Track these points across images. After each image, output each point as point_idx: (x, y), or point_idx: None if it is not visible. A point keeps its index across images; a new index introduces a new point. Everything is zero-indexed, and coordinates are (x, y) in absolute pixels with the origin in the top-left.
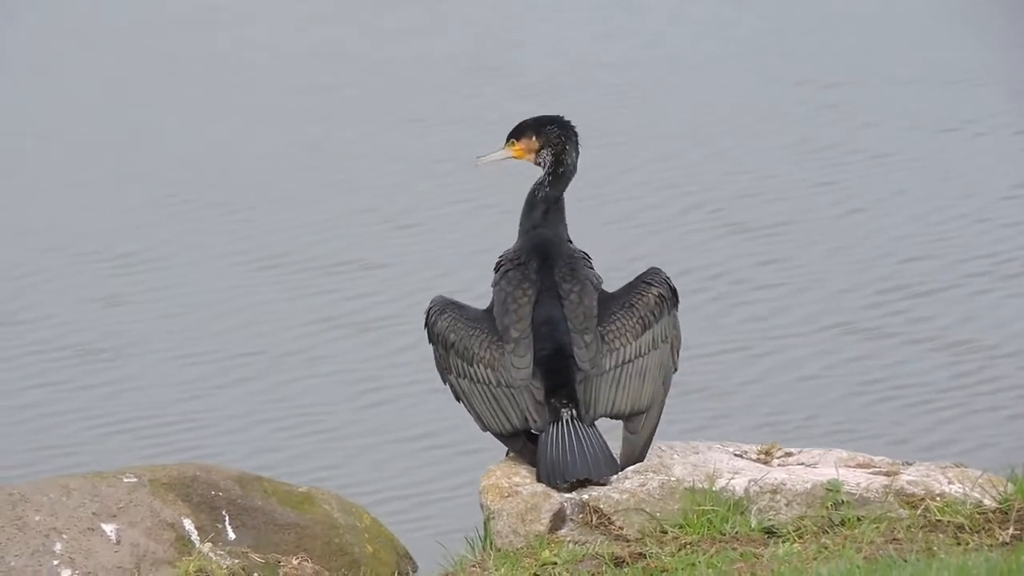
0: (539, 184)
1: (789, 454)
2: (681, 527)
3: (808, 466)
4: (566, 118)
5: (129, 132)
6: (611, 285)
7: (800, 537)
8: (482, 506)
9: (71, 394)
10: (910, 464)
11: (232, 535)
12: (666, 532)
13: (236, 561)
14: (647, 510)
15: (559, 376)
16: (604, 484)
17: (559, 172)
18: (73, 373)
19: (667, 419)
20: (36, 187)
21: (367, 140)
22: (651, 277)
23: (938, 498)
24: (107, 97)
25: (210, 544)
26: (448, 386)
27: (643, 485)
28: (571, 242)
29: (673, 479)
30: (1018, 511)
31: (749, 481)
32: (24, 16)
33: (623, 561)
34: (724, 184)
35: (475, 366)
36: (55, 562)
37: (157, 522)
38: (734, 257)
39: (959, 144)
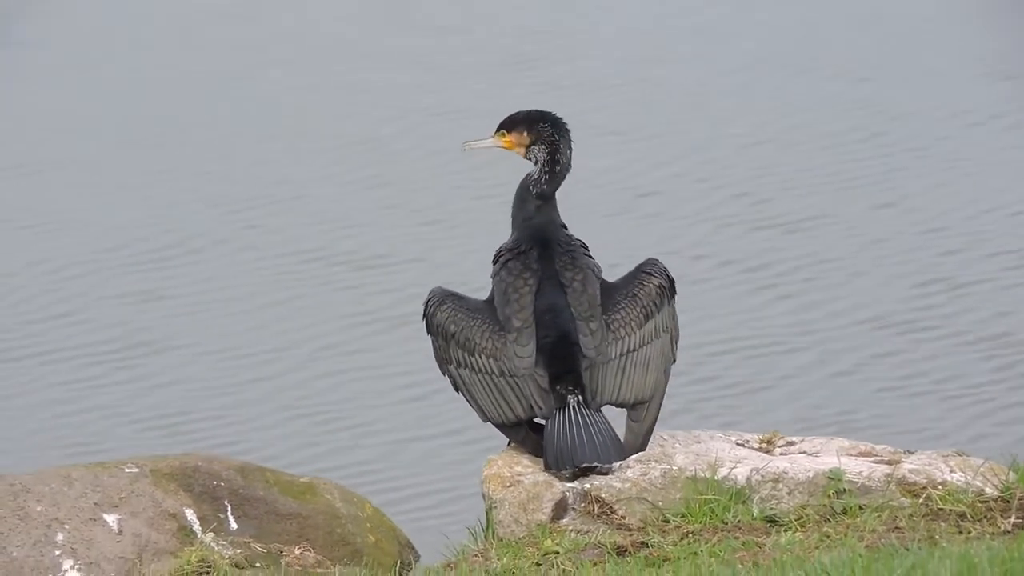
0: (534, 181)
1: (791, 443)
2: (683, 516)
3: (810, 455)
4: (558, 115)
5: (164, 129)
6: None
7: (802, 526)
8: (484, 496)
9: (106, 389)
10: (912, 453)
11: (234, 525)
12: (668, 521)
13: (238, 551)
14: (649, 499)
15: (564, 363)
16: (606, 473)
17: (555, 169)
18: (108, 368)
19: (702, 413)
20: (76, 184)
21: (401, 135)
22: (650, 267)
23: (940, 487)
24: (143, 95)
25: (212, 534)
26: (447, 377)
27: (645, 474)
28: (565, 227)
29: (675, 468)
30: (1020, 499)
31: (751, 470)
32: (67, 18)
33: (625, 550)
34: (759, 178)
35: (477, 356)
36: (57, 552)
37: (159, 512)
38: (770, 251)
39: (993, 137)
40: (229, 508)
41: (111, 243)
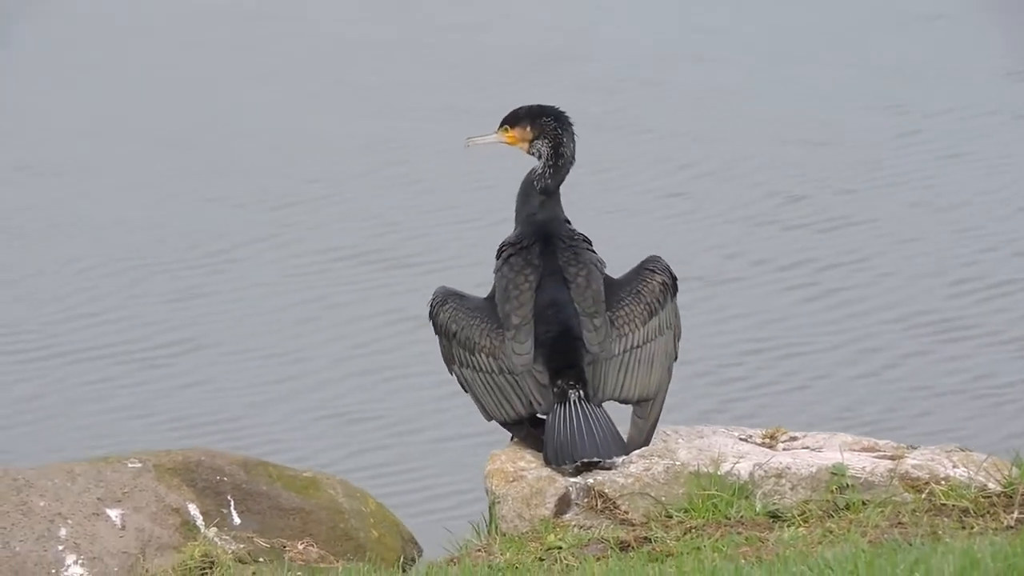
0: (538, 176)
1: (794, 438)
2: (686, 511)
3: (813, 450)
4: (561, 109)
5: (194, 130)
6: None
7: (805, 521)
8: (487, 491)
9: (131, 388)
10: (915, 448)
11: (237, 520)
12: (671, 516)
13: (241, 546)
14: (652, 494)
15: (566, 358)
16: (609, 468)
17: (559, 164)
18: (134, 368)
19: (735, 413)
20: (104, 184)
21: (430, 134)
22: (653, 264)
23: (943, 482)
24: (171, 95)
25: (215, 529)
26: (454, 376)
27: (648, 469)
28: (569, 222)
29: (678, 463)
30: (1023, 495)
31: (754, 465)
32: (91, 18)
33: (628, 545)
34: (791, 177)
35: (477, 355)
36: (60, 547)
37: (162, 507)
38: (802, 250)
39: None
40: (232, 503)
41: (141, 242)
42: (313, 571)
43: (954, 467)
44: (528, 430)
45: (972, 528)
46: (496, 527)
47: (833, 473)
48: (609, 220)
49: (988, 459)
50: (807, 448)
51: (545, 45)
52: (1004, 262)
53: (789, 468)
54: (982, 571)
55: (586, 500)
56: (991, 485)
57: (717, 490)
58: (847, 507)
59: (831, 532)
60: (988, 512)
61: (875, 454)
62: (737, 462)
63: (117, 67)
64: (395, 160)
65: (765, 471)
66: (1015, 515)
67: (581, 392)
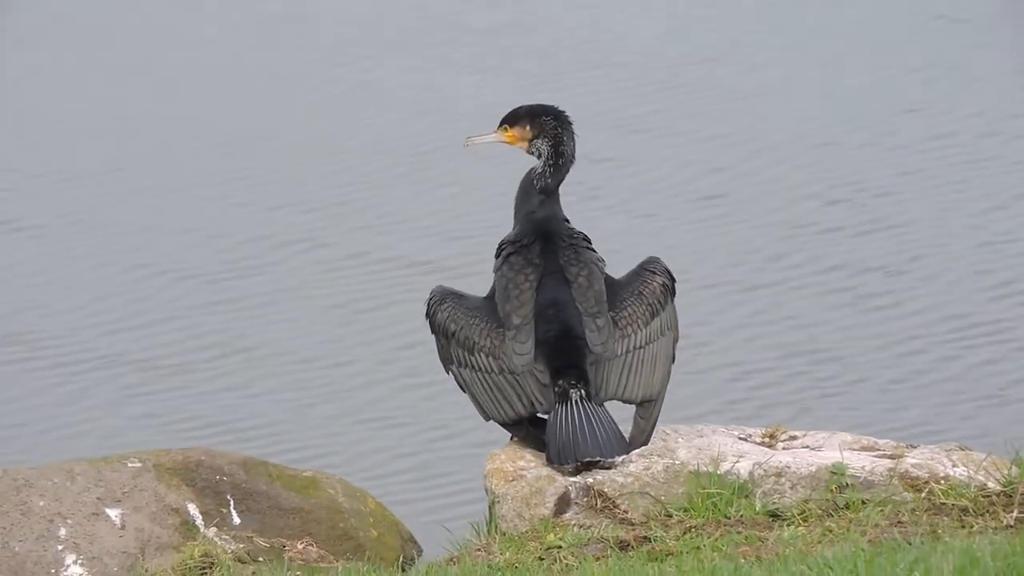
0: (538, 175)
1: (793, 437)
2: (686, 510)
3: (813, 449)
4: (560, 108)
5: (235, 135)
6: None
7: (804, 520)
8: (487, 490)
9: (162, 396)
10: (915, 447)
11: (237, 520)
12: (671, 516)
13: (241, 546)
14: (652, 494)
15: (568, 357)
16: (609, 468)
17: (559, 163)
18: (166, 373)
19: (772, 418)
20: (139, 187)
21: (465, 136)
22: (653, 266)
23: (942, 481)
24: (208, 97)
25: (215, 529)
26: (451, 376)
27: (648, 469)
28: (568, 221)
29: (678, 463)
30: (1022, 494)
31: (753, 464)
32: (134, 21)
33: (628, 545)
34: (855, 180)
35: (476, 355)
36: (60, 547)
37: (162, 507)
38: (842, 253)
39: None
40: (232, 502)
41: (173, 246)
42: (313, 571)
43: (954, 466)
44: (528, 430)
45: (972, 527)
46: (496, 526)
47: (833, 472)
48: (643, 223)
49: (988, 458)
50: (807, 447)
51: (578, 46)
52: None
53: (789, 467)
54: (982, 570)
55: (586, 499)
56: (991, 484)
57: (717, 489)
58: (847, 506)
59: (831, 531)
60: (988, 511)
61: (875, 453)
62: (737, 461)
63: (148, 68)
64: (431, 163)
65: (765, 470)
66: (1015, 514)
67: (583, 392)
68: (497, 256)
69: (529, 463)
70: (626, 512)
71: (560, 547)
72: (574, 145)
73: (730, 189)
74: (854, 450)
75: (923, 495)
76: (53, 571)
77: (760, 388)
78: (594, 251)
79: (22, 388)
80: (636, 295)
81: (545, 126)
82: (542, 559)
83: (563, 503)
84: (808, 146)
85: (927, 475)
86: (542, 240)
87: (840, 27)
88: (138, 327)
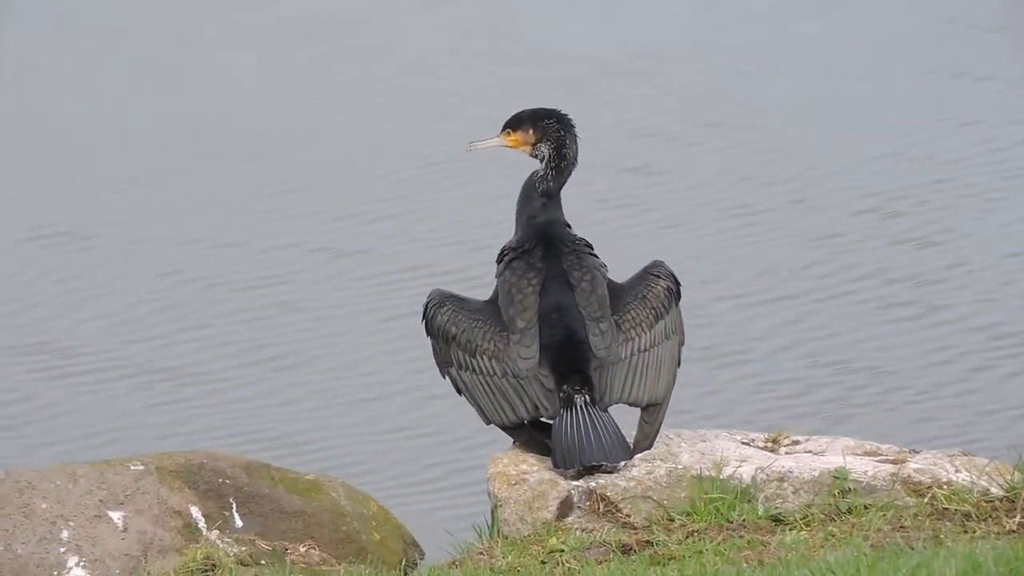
0: (540, 179)
1: (796, 442)
2: (688, 515)
3: (815, 454)
4: (563, 111)
5: (264, 142)
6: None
7: (807, 525)
8: (489, 494)
9: (181, 405)
10: (917, 452)
11: (239, 522)
12: (673, 520)
13: (243, 548)
14: (654, 498)
15: (572, 362)
16: (611, 471)
17: (561, 166)
18: (183, 383)
19: (808, 428)
20: (175, 198)
21: (499, 149)
22: (657, 270)
23: (945, 486)
24: (250, 109)
25: (217, 531)
26: (448, 379)
27: (650, 473)
28: (569, 226)
29: (680, 467)
30: None
31: (756, 469)
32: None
33: (630, 549)
34: (896, 189)
35: (479, 358)
36: (62, 549)
37: (164, 510)
38: (899, 267)
39: None
40: (234, 505)
41: (209, 259)
42: (315, 574)
43: (956, 471)
44: (530, 434)
45: (974, 532)
46: (498, 530)
47: (835, 477)
48: (670, 232)
49: (990, 463)
50: (809, 452)
51: (618, 57)
52: None
53: (791, 472)
54: (984, 575)
55: (588, 503)
56: (993, 489)
57: (719, 494)
58: (849, 511)
59: (833, 536)
60: (990, 516)
61: (877, 458)
62: (739, 466)
63: (178, 77)
64: (465, 175)
65: (767, 475)
66: (1017, 519)
67: (587, 396)
68: (499, 261)
69: (532, 467)
70: (628, 516)
71: (562, 551)
72: (576, 148)
73: (758, 199)
74: (857, 455)
75: (926, 500)
76: (55, 573)
77: (790, 398)
78: (596, 256)
79: (52, 395)
80: (640, 299)
81: (548, 129)
82: (544, 563)
83: (565, 507)
84: (842, 157)
85: (930, 480)
86: (544, 245)
87: (872, 37)
88: (166, 335)
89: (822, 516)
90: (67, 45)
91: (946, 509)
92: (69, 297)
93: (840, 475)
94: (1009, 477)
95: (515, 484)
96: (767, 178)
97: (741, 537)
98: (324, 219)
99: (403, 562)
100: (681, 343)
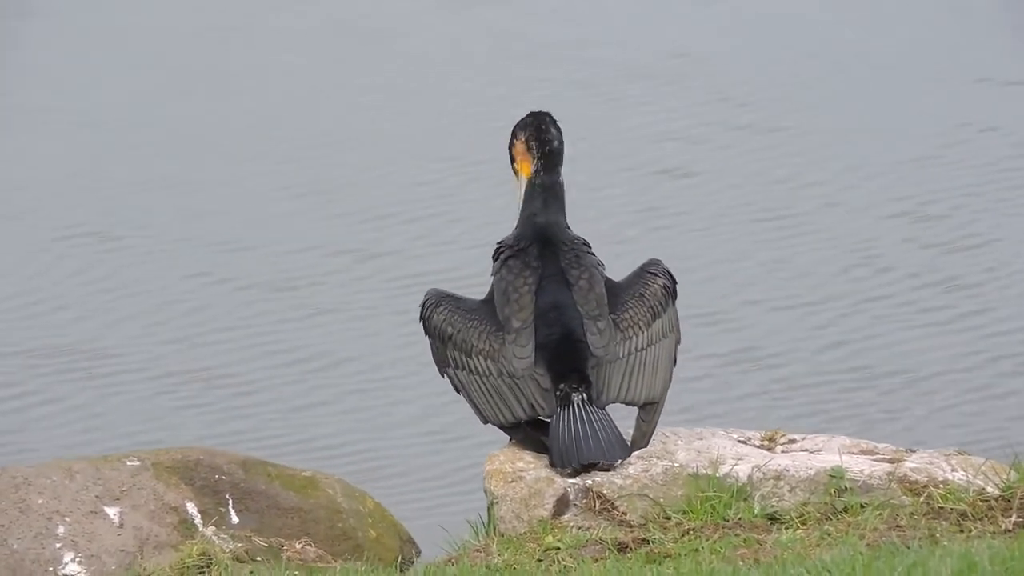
0: (534, 171)
1: (793, 440)
2: (684, 513)
3: (812, 452)
4: (535, 109)
5: (298, 145)
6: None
7: (803, 523)
8: (486, 491)
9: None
10: (913, 451)
11: (235, 519)
12: (669, 518)
13: (239, 545)
14: (650, 496)
15: (568, 361)
16: (608, 469)
17: (545, 151)
18: (200, 389)
19: (852, 432)
20: (204, 199)
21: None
22: (654, 268)
23: (941, 485)
24: (263, 113)
25: (213, 528)
26: (447, 379)
27: (647, 471)
28: (569, 228)
29: (677, 465)
30: (1021, 498)
31: (752, 467)
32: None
33: (626, 547)
34: (928, 193)
35: (474, 358)
36: (58, 545)
37: (160, 505)
38: (935, 270)
39: None
40: (230, 502)
41: (240, 263)
42: (311, 570)
43: (952, 471)
44: (526, 432)
45: (970, 531)
46: (494, 528)
47: (831, 476)
48: (700, 236)
49: (986, 462)
50: (806, 451)
51: (651, 59)
52: None
53: (788, 470)
54: (979, 574)
55: (584, 501)
56: (989, 488)
57: (715, 492)
58: (845, 510)
59: (829, 534)
60: (986, 515)
61: (873, 457)
62: (736, 464)
63: (212, 79)
64: (495, 178)
65: (764, 473)
66: (1013, 519)
67: (584, 395)
68: (495, 259)
69: (528, 464)
70: (625, 514)
71: (558, 548)
72: (557, 131)
73: (791, 203)
74: (853, 454)
75: (922, 499)
76: (51, 569)
77: (822, 403)
78: (594, 255)
79: (84, 397)
80: (637, 297)
81: (527, 128)
82: (540, 560)
83: (562, 504)
84: (875, 161)
85: (926, 479)
86: (540, 243)
87: (907, 42)
88: (194, 336)
89: (818, 515)
90: (100, 46)
91: (942, 508)
92: (97, 299)
93: (836, 474)
94: (1005, 476)
95: (511, 481)
96: (799, 181)
97: (737, 535)
98: (354, 221)
99: (399, 559)
100: (677, 342)
